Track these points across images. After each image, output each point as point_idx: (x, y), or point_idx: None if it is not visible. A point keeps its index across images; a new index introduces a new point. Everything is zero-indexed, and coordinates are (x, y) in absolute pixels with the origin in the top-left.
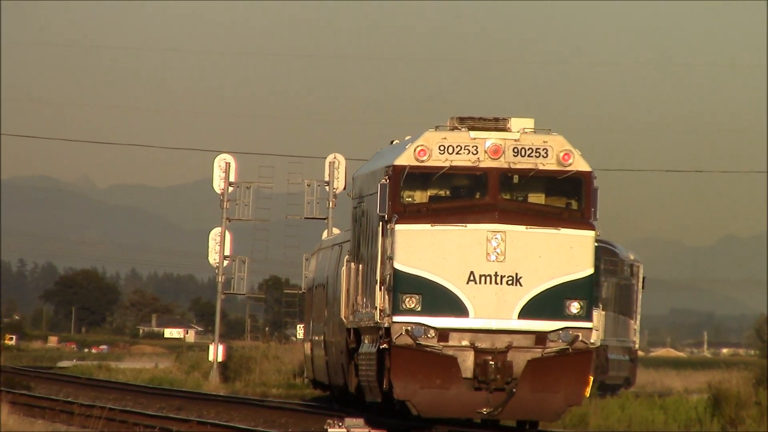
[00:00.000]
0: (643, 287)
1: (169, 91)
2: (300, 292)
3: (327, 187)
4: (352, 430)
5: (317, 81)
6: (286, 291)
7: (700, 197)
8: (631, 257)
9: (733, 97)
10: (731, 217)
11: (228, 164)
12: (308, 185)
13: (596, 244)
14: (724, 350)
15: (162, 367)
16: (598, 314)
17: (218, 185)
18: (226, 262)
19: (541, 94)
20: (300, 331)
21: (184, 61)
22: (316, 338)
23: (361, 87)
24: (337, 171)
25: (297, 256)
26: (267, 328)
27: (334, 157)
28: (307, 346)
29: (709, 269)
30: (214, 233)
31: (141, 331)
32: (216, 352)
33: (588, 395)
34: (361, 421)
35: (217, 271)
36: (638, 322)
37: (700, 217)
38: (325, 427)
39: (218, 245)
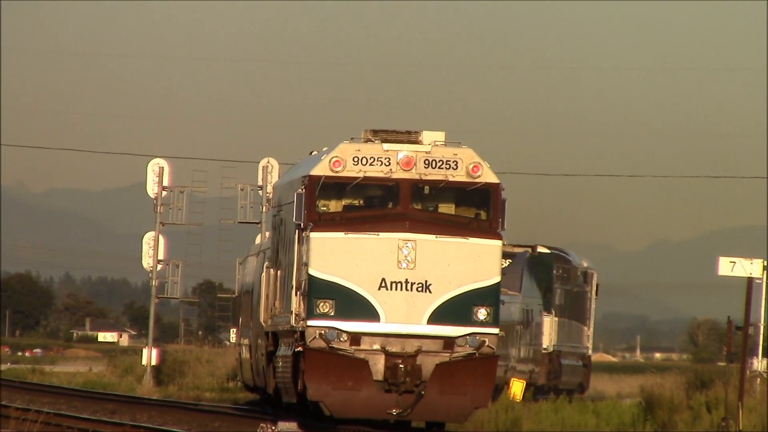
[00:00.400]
0: (596, 294)
1: (103, 95)
2: (233, 296)
3: (260, 192)
4: None
5: (251, 85)
6: (219, 295)
7: (632, 202)
8: (585, 264)
9: (666, 100)
10: (663, 222)
11: (162, 168)
12: (242, 189)
13: (548, 252)
14: (657, 355)
15: (96, 370)
16: (550, 320)
17: (152, 189)
18: (159, 266)
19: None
20: (233, 335)
21: (117, 66)
22: (245, 342)
23: (295, 91)
24: (271, 175)
25: (230, 260)
26: (200, 332)
27: (268, 162)
28: (239, 350)
29: (641, 274)
30: (148, 237)
31: (75, 334)
32: (149, 356)
33: (520, 399)
34: (294, 425)
35: (150, 275)
36: (592, 328)
37: (631, 222)
38: (258, 430)
39: (152, 249)
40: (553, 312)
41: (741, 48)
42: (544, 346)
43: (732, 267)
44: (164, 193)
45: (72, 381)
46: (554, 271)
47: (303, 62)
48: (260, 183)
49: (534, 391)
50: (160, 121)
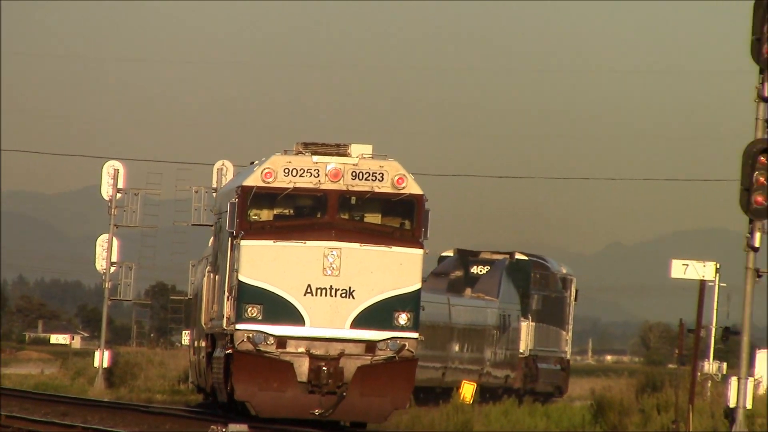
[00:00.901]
0: (576, 300)
1: (57, 97)
2: (186, 298)
3: (215, 194)
4: None
5: (205, 87)
6: (172, 297)
7: (586, 204)
8: (564, 271)
9: (621, 103)
10: (617, 225)
11: (116, 171)
12: (196, 192)
13: (526, 259)
14: (609, 357)
15: (48, 372)
16: (527, 325)
17: (106, 192)
18: (113, 269)
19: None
20: (185, 337)
21: (71, 67)
22: (195, 344)
23: (250, 93)
24: (225, 177)
25: (184, 262)
26: (153, 335)
27: (222, 164)
28: (191, 351)
29: (594, 276)
30: (102, 240)
31: (27, 336)
32: (101, 358)
33: (471, 402)
34: (244, 426)
35: (103, 277)
36: (570, 333)
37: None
38: None
39: (105, 252)
40: (530, 317)
41: (695, 49)
42: (521, 350)
43: (684, 270)
44: (119, 195)
45: (24, 383)
46: (532, 277)
47: (257, 64)
48: (215, 185)
49: (491, 394)
50: (115, 123)
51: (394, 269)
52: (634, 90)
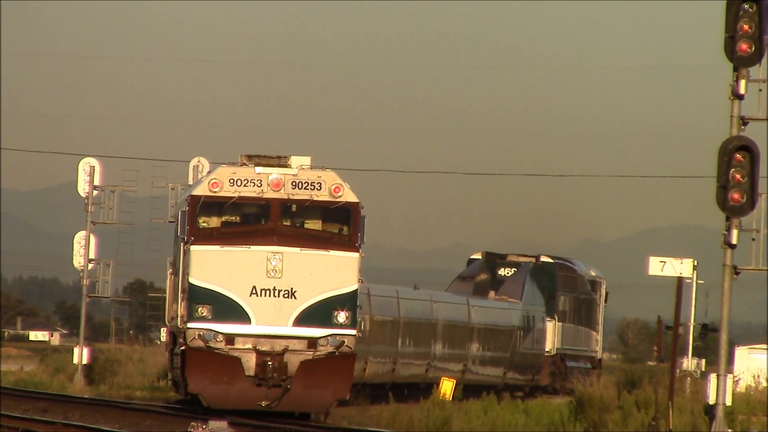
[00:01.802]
0: (606, 301)
1: (32, 94)
2: (163, 295)
3: None
4: None
5: (181, 84)
6: (150, 294)
7: (560, 200)
8: (593, 273)
9: (594, 99)
10: (592, 221)
11: (93, 168)
12: (172, 189)
13: (551, 261)
14: None
15: (27, 369)
16: (553, 325)
17: (83, 189)
18: (90, 266)
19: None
20: (163, 333)
21: (46, 65)
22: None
23: (225, 90)
24: (201, 174)
25: (161, 259)
26: (132, 331)
27: (198, 161)
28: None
29: None
30: (79, 237)
31: (6, 333)
32: (81, 355)
33: (450, 398)
34: (224, 423)
35: (81, 274)
36: (601, 333)
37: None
38: (189, 429)
39: (83, 249)
40: (557, 317)
41: (669, 46)
42: (547, 349)
43: (662, 267)
44: (95, 192)
45: (3, 380)
46: (558, 279)
47: (233, 61)
48: (191, 182)
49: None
50: (91, 120)
51: (333, 271)
52: (609, 87)
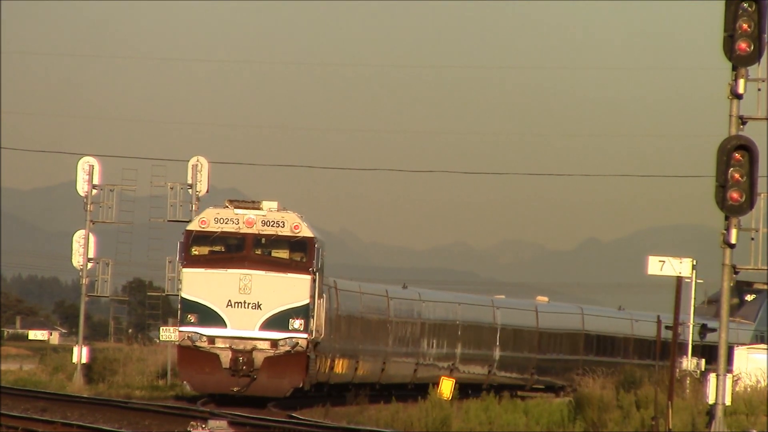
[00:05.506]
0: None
1: (32, 93)
2: (163, 294)
3: (190, 190)
4: (215, 431)
5: (181, 84)
6: (149, 293)
7: (562, 200)
8: None
9: (595, 99)
10: (593, 221)
11: (92, 167)
12: (171, 188)
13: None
14: None
15: (26, 368)
16: None
17: (82, 188)
18: (90, 265)
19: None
20: (163, 333)
21: (45, 63)
22: None
23: (225, 90)
24: (200, 174)
25: (160, 258)
26: (131, 330)
27: (197, 160)
28: None
29: (571, 272)
30: (78, 236)
31: (5, 333)
32: (80, 354)
33: (449, 398)
34: (224, 423)
35: (81, 273)
36: None
37: (561, 221)
38: (188, 429)
39: (82, 248)
40: None
41: (670, 46)
42: None
43: (661, 266)
44: (94, 191)
45: (2, 379)
46: None
47: (231, 60)
48: (190, 181)
49: None
50: (91, 119)
51: (290, 289)
52: (609, 87)
